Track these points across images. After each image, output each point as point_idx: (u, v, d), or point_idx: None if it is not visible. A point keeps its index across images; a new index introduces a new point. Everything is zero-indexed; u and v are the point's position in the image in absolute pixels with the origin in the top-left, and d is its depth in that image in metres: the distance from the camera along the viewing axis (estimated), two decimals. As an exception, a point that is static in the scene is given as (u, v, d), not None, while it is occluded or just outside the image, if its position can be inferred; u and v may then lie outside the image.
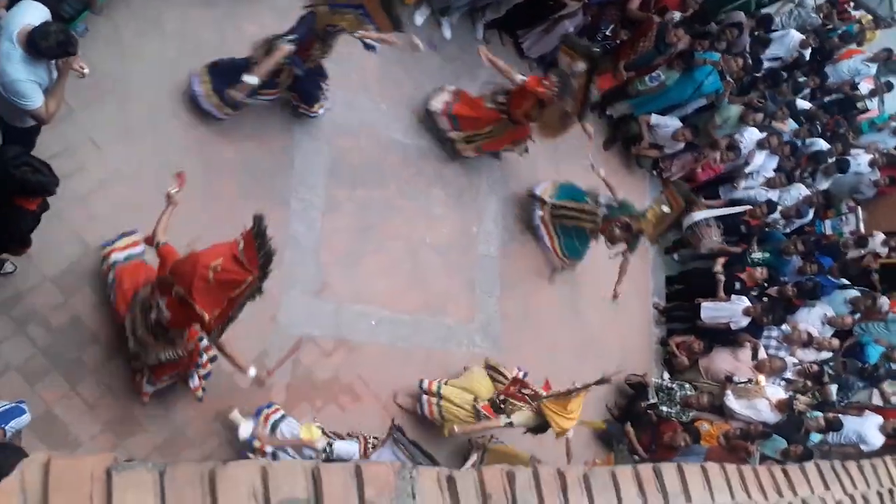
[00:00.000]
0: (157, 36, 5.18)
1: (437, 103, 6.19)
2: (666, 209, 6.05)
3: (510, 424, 5.14)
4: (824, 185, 8.52)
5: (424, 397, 5.55)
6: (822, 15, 8.64)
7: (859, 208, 8.25)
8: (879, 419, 6.92)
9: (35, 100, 3.71)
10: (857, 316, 7.80)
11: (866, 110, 9.51)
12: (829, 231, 8.34)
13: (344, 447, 4.58)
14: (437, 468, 2.00)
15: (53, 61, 3.85)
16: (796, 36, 8.07)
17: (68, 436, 4.33)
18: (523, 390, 5.33)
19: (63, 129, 4.61)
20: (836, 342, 7.23)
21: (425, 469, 2.01)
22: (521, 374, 5.68)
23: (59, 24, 3.73)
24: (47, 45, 3.56)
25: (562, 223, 6.70)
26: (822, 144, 8.47)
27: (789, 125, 8.17)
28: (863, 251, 8.16)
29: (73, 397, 4.43)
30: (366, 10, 4.68)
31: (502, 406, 5.24)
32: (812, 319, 7.61)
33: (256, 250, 3.35)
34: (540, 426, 5.14)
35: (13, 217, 3.62)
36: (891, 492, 3.07)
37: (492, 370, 5.78)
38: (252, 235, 3.35)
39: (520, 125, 5.95)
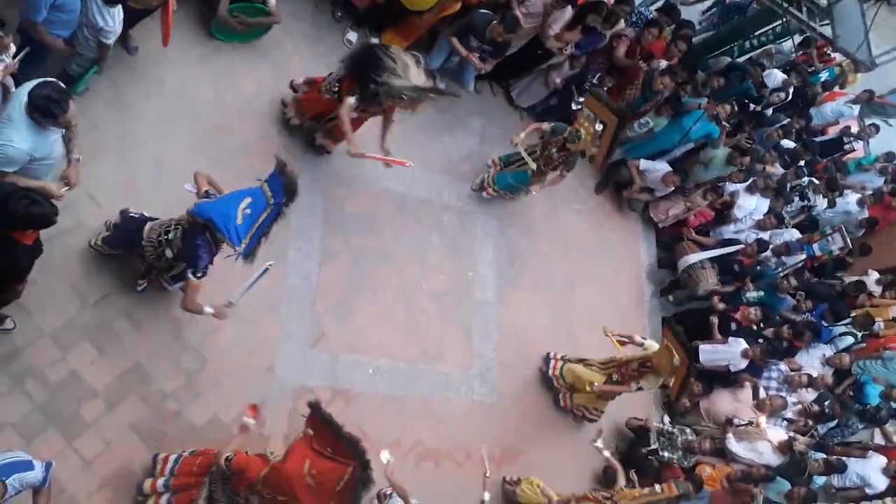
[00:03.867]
0: (156, 94, 5.33)
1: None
2: (599, 127, 5.88)
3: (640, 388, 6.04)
4: (822, 204, 8.67)
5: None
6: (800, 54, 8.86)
7: (842, 226, 8.35)
8: (883, 460, 6.84)
9: (7, 168, 3.76)
10: (855, 347, 7.81)
11: (853, 150, 9.68)
12: (818, 253, 8.42)
13: None
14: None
15: (60, 138, 3.97)
16: (779, 75, 8.28)
17: (64, 493, 4.29)
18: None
19: (64, 186, 4.70)
20: (829, 379, 7.20)
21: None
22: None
23: (57, 83, 3.83)
24: (39, 96, 3.65)
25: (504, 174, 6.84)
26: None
27: (778, 168, 8.30)
28: (861, 294, 8.22)
29: (69, 453, 4.42)
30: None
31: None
32: (812, 360, 7.62)
33: (337, 438, 3.39)
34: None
35: (9, 249, 3.64)
36: (891, 532, 3.05)
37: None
38: (320, 423, 3.43)
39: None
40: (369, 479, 3.38)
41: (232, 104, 5.60)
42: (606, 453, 5.81)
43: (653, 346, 6.10)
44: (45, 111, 3.71)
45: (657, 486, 5.29)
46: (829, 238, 8.49)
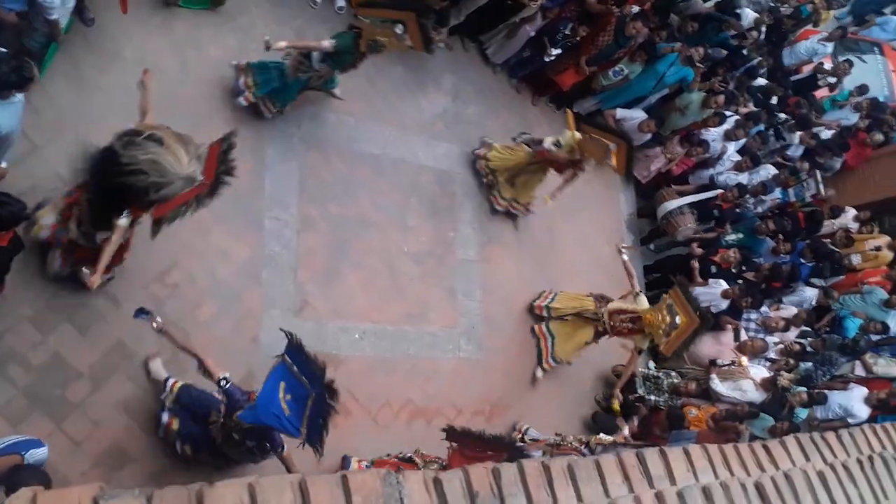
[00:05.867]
0: (117, 66, 5.17)
1: None
2: (399, 29, 5.52)
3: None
4: (795, 140, 8.71)
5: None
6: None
7: (817, 172, 8.43)
8: (864, 391, 6.98)
9: None
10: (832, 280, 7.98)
11: (827, 86, 9.69)
12: (792, 198, 8.52)
13: None
14: (422, 471, 2.03)
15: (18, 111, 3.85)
16: (751, 14, 8.23)
17: (56, 475, 4.27)
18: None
19: (29, 166, 4.59)
20: (803, 314, 7.32)
21: (411, 473, 2.03)
22: None
23: (8, 53, 3.73)
24: (1, 71, 3.57)
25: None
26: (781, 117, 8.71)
27: (752, 108, 8.31)
28: (835, 223, 8.32)
29: (58, 435, 4.38)
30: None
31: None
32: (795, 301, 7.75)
33: (481, 440, 3.75)
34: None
35: None
36: (871, 458, 3.13)
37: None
38: (459, 436, 3.86)
39: None
40: (524, 457, 3.76)
41: (196, 73, 5.46)
42: (625, 257, 6.34)
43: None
44: (16, 82, 3.61)
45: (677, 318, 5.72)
46: (804, 183, 8.59)
